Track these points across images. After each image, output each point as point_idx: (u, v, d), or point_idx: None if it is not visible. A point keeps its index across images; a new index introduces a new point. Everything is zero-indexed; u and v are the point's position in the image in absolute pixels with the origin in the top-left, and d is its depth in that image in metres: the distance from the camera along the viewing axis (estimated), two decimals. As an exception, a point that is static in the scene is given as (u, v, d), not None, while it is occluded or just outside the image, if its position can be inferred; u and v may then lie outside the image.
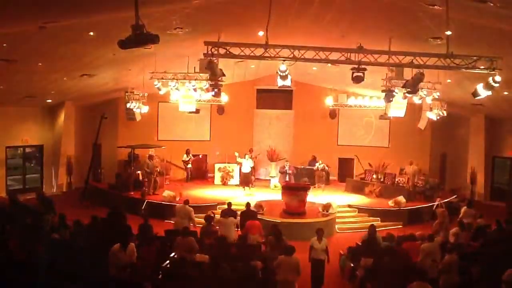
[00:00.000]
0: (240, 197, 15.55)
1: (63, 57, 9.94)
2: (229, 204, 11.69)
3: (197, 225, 10.89)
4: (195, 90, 13.38)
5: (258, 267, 8.07)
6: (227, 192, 16.59)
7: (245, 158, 16.96)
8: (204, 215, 11.36)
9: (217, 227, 10.25)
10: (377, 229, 10.08)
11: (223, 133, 19.66)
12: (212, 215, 11.06)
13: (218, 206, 14.31)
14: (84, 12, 7.14)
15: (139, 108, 15.59)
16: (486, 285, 7.48)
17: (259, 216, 11.99)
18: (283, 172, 16.92)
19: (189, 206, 11.10)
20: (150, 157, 16.40)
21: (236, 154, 16.98)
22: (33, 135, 16.43)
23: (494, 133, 16.55)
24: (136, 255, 7.50)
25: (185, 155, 18.22)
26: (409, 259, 8.73)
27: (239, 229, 10.63)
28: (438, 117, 14.43)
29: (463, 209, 11.91)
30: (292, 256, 7.76)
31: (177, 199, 14.51)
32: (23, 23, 7.25)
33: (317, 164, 17.48)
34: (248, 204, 11.86)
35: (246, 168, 16.72)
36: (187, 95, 14.69)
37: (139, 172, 16.49)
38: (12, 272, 6.20)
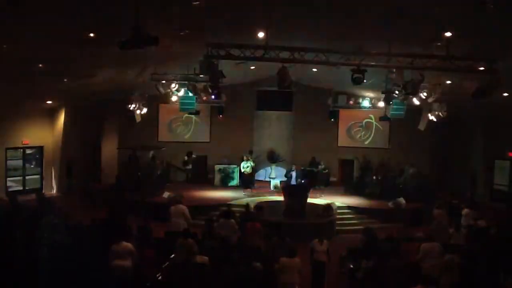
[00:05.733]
0: (241, 199, 15.58)
1: (63, 58, 9.94)
2: (246, 206, 11.90)
3: (191, 222, 10.86)
4: (195, 91, 13.40)
5: (258, 269, 8.06)
6: (227, 194, 16.59)
7: (246, 160, 16.99)
8: (204, 216, 11.41)
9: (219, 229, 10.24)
10: (376, 230, 10.13)
11: (223, 135, 19.67)
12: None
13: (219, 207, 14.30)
14: (84, 13, 7.15)
15: (139, 109, 15.59)
16: (487, 285, 7.49)
17: (259, 217, 11.98)
18: (289, 177, 16.48)
19: (183, 205, 11.08)
20: (153, 158, 16.45)
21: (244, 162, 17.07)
22: (33, 136, 16.42)
23: (494, 134, 16.55)
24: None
25: (185, 157, 18.21)
26: (411, 260, 8.75)
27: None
28: (438, 119, 14.43)
29: (464, 210, 11.90)
30: (294, 258, 7.78)
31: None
32: (23, 24, 7.26)
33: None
34: (247, 206, 11.89)
35: (248, 170, 16.77)
36: (187, 96, 14.71)
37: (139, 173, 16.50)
38: (12, 273, 6.20)
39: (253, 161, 17.45)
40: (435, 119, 14.53)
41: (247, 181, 16.90)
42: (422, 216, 14.61)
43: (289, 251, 7.90)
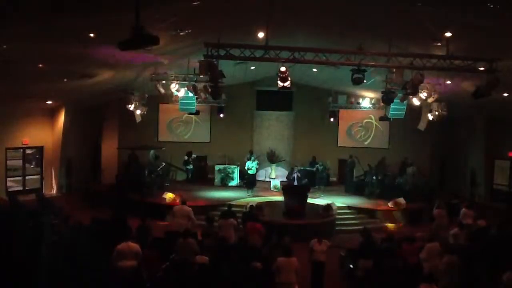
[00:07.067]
0: (243, 198, 15.58)
1: (63, 58, 9.94)
2: (250, 206, 11.85)
3: (196, 223, 10.85)
4: (195, 91, 13.40)
5: (258, 268, 8.07)
6: (227, 194, 16.59)
7: (250, 160, 16.98)
8: (203, 216, 11.40)
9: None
10: (375, 230, 10.16)
11: (223, 135, 19.67)
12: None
13: (218, 207, 14.30)
14: (84, 13, 7.15)
15: (139, 109, 15.59)
16: (487, 286, 7.49)
17: (259, 217, 11.99)
18: (292, 179, 16.33)
19: (188, 206, 11.07)
20: (156, 157, 16.48)
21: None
22: (33, 136, 16.41)
23: (494, 134, 16.55)
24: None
25: (185, 157, 18.18)
26: (407, 260, 8.74)
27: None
28: (438, 118, 14.43)
29: (463, 210, 11.90)
30: (291, 257, 7.77)
31: (177, 200, 14.47)
32: (23, 23, 7.26)
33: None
34: (252, 207, 11.90)
35: (252, 170, 16.79)
36: (187, 97, 14.71)
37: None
38: (12, 273, 6.20)
39: (258, 162, 17.41)
40: (435, 119, 14.53)
41: (252, 181, 16.89)
42: (422, 216, 14.64)
43: (286, 250, 7.90)
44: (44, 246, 7.01)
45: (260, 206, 13.77)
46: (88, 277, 6.58)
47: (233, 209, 11.68)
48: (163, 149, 17.88)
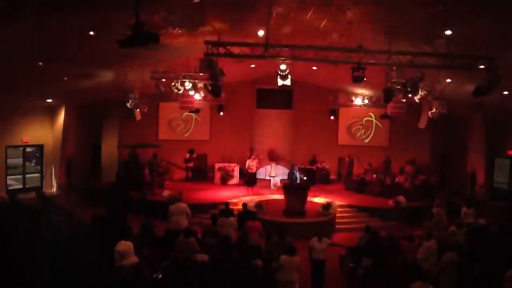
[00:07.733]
0: (243, 197, 15.56)
1: (63, 56, 9.94)
2: (244, 205, 11.86)
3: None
4: (195, 89, 13.39)
5: (259, 266, 8.07)
6: (227, 192, 16.59)
7: (250, 158, 16.97)
8: (202, 214, 11.39)
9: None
10: (375, 229, 10.15)
11: (223, 133, 19.66)
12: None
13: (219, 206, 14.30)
14: (84, 11, 7.14)
15: (139, 108, 15.57)
16: (486, 284, 7.49)
17: (259, 216, 11.99)
18: (294, 178, 16.13)
19: (183, 203, 11.03)
20: (155, 156, 16.48)
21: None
22: (33, 134, 16.41)
23: (494, 132, 16.53)
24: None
25: (187, 154, 18.19)
26: (406, 258, 8.76)
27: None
28: (438, 116, 14.41)
29: (464, 209, 11.89)
30: (294, 256, 7.78)
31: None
32: (23, 21, 7.25)
33: None
34: (245, 205, 11.87)
35: (252, 169, 16.78)
36: (187, 95, 14.69)
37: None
38: (12, 272, 6.20)
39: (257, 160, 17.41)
40: (435, 117, 14.50)
41: (252, 180, 16.89)
42: (422, 215, 14.61)
43: (289, 249, 7.90)
44: (44, 245, 7.01)
45: (259, 204, 13.77)
46: (88, 275, 6.58)
47: (233, 207, 11.67)
48: (161, 146, 17.84)
